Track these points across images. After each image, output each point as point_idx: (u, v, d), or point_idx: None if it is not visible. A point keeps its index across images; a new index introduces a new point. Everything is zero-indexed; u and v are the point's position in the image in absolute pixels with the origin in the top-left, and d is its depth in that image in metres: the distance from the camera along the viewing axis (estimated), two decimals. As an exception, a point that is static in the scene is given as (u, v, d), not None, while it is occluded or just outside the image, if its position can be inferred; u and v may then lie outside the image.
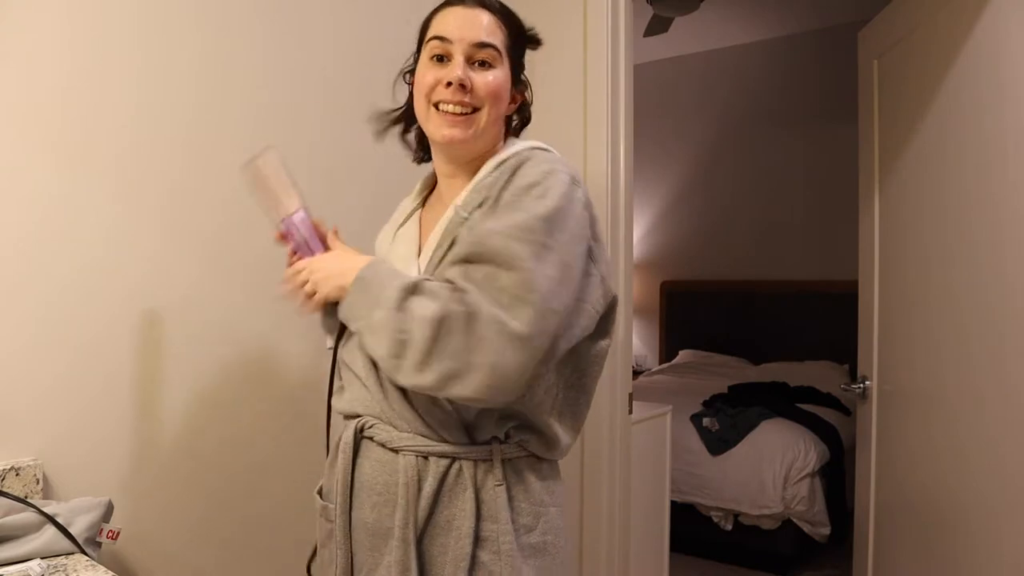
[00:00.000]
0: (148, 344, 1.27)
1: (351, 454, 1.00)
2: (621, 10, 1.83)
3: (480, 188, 1.00)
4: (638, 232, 5.14)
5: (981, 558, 1.59)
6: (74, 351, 1.17)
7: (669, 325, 5.02)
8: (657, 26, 3.66)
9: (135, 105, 1.25)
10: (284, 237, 1.07)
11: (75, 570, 0.95)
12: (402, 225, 1.14)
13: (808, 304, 4.39)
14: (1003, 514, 1.51)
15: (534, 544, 0.97)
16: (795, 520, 3.06)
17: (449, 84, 0.99)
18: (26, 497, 1.06)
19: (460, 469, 0.96)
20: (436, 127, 1.02)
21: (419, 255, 1.05)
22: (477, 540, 0.93)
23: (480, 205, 0.98)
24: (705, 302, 4.84)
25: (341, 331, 1.07)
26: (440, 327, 0.85)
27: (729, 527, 3.20)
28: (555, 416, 1.01)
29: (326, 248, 1.06)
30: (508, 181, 0.97)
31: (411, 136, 1.17)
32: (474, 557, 0.93)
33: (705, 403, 3.55)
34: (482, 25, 1.01)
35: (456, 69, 0.99)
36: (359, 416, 1.02)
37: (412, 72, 1.10)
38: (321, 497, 1.08)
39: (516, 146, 1.05)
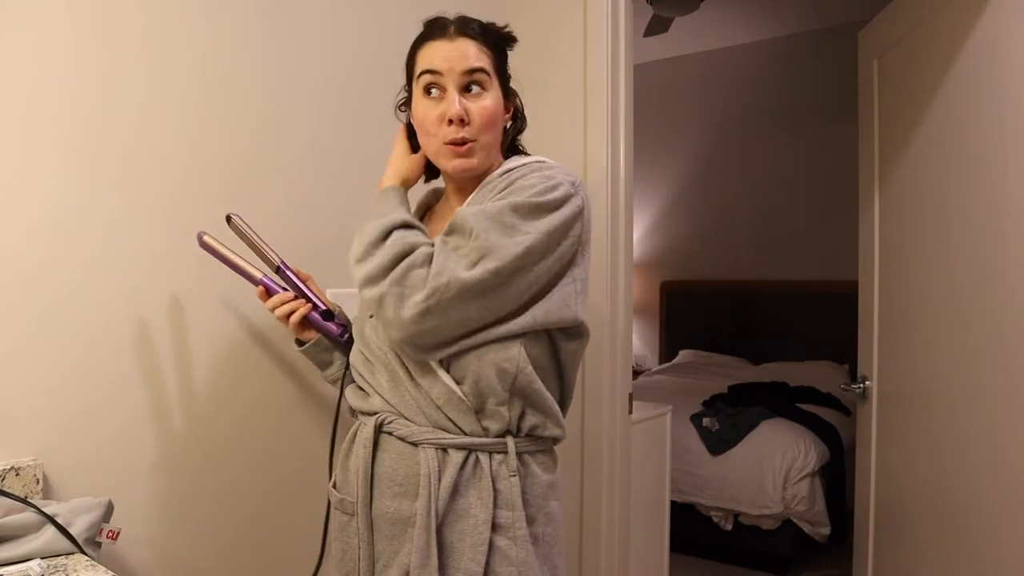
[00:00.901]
0: (149, 344, 1.27)
1: (371, 448, 1.07)
2: (621, 10, 1.83)
3: (485, 192, 1.09)
4: (638, 232, 5.14)
5: (982, 558, 1.59)
6: (75, 351, 1.17)
7: (669, 325, 5.03)
8: (657, 26, 3.66)
9: (138, 106, 1.25)
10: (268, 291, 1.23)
11: (75, 570, 0.95)
12: None
13: (808, 304, 4.39)
14: (1004, 514, 1.51)
15: (535, 534, 1.05)
16: (795, 520, 3.06)
17: (451, 122, 1.05)
18: (26, 497, 1.06)
19: (477, 460, 1.03)
20: (445, 160, 1.09)
21: None
22: (494, 527, 1.01)
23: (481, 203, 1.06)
24: (705, 302, 4.84)
25: (348, 341, 1.22)
26: (401, 257, 1.00)
27: (729, 527, 3.20)
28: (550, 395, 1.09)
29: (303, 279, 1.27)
30: (510, 183, 1.05)
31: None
32: (491, 542, 1.00)
33: (705, 403, 3.55)
34: (469, 55, 1.06)
35: (453, 105, 1.05)
36: (376, 413, 1.09)
37: (406, 102, 1.16)
38: (336, 490, 1.15)
39: (523, 159, 1.13)
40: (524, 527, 1.02)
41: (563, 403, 1.14)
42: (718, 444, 3.21)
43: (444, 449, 1.03)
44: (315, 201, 1.52)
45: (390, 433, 1.07)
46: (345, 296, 1.42)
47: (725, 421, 3.27)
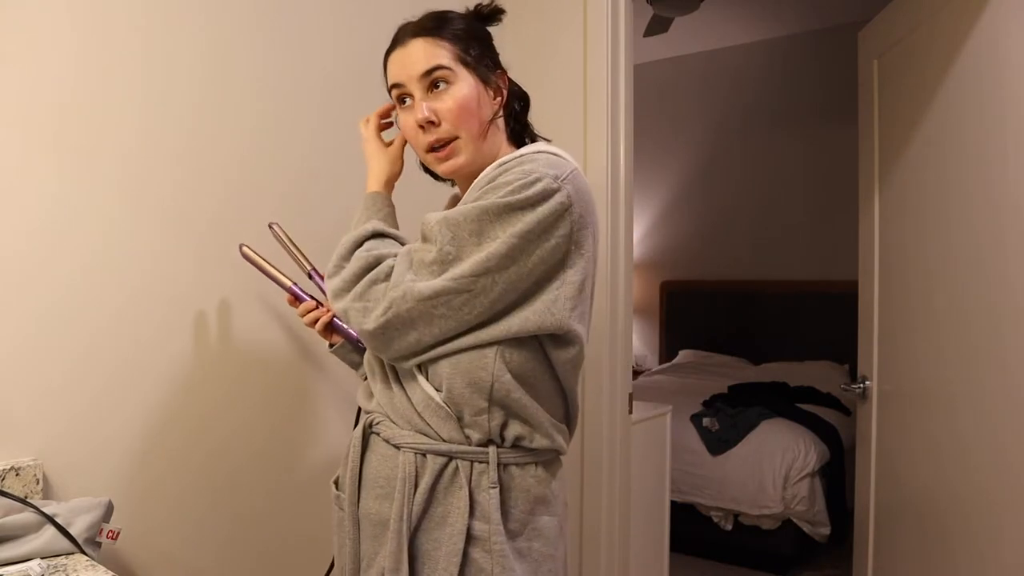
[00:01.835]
0: (149, 344, 1.27)
1: (360, 448, 1.07)
2: (621, 10, 1.83)
3: (472, 190, 1.03)
4: (638, 232, 5.14)
5: (982, 558, 1.59)
6: (74, 351, 1.17)
7: (669, 325, 5.02)
8: (657, 26, 3.66)
9: (138, 106, 1.25)
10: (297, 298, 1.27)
11: (75, 570, 0.95)
12: None
13: (808, 304, 4.39)
14: (1004, 514, 1.51)
15: (519, 549, 1.01)
16: (795, 520, 3.06)
17: (422, 127, 1.04)
18: (26, 497, 1.06)
19: (456, 468, 1.00)
20: (434, 166, 1.09)
21: None
22: (469, 537, 0.98)
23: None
24: (705, 302, 4.84)
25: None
26: (365, 272, 1.00)
27: (729, 527, 3.20)
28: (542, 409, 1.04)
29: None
30: (492, 180, 0.99)
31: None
32: (465, 554, 0.97)
33: (705, 403, 3.55)
34: (420, 56, 1.03)
35: (419, 111, 1.04)
36: (370, 412, 1.09)
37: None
38: (336, 487, 1.15)
39: (521, 151, 1.05)
40: (502, 540, 0.97)
41: (568, 414, 1.09)
42: (718, 444, 3.21)
43: (423, 454, 1.01)
44: (315, 201, 1.52)
45: (378, 434, 1.07)
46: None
47: (725, 421, 3.27)
